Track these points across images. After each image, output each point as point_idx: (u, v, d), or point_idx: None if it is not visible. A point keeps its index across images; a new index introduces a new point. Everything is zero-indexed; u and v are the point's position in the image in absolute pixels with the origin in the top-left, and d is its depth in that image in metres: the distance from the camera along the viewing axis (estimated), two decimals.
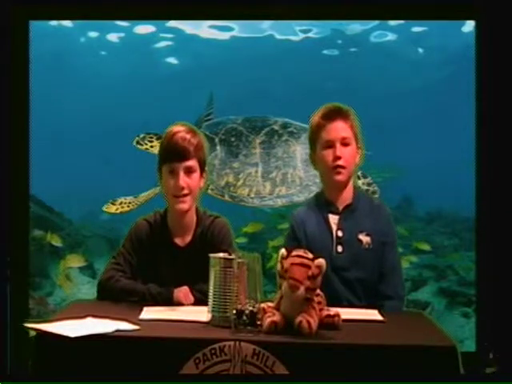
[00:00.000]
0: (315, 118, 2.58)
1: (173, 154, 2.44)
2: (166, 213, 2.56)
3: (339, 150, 2.51)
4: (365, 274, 2.52)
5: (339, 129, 2.53)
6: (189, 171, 2.45)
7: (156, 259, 2.51)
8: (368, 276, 2.52)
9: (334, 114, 2.54)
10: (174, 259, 2.50)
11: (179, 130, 2.48)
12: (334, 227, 2.56)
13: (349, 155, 2.52)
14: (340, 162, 2.51)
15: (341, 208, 2.58)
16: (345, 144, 2.52)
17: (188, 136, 2.46)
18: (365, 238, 2.54)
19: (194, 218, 2.54)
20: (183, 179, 2.43)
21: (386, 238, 2.57)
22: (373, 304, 2.44)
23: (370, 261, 2.53)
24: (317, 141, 2.57)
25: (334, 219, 2.57)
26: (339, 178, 2.53)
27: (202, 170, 2.51)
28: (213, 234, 2.52)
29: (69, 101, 12.19)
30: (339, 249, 2.53)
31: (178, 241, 2.53)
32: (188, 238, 2.53)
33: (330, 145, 2.52)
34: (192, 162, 2.45)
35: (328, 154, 2.53)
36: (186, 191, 2.44)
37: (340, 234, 2.55)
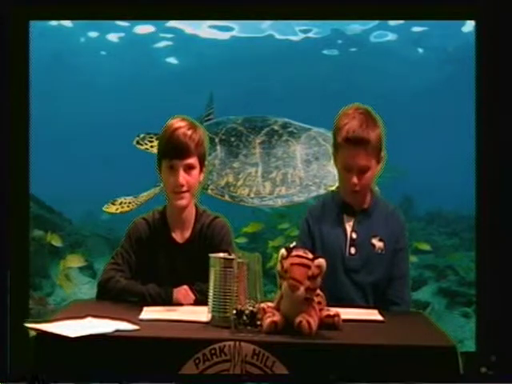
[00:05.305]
0: (341, 129, 2.49)
1: (173, 151, 2.43)
2: (165, 209, 2.57)
3: (356, 178, 2.48)
4: (375, 278, 2.52)
5: (359, 157, 2.47)
6: (188, 168, 2.45)
7: (155, 256, 2.51)
8: (378, 280, 2.53)
9: (357, 140, 2.46)
10: (173, 255, 2.50)
11: (180, 126, 2.45)
12: (349, 229, 2.56)
13: (367, 179, 2.51)
14: (356, 188, 2.51)
15: (357, 211, 2.58)
16: (363, 171, 2.49)
17: (189, 132, 2.44)
18: (378, 243, 2.54)
19: (193, 214, 2.55)
20: (183, 176, 2.43)
21: (399, 245, 2.57)
22: (380, 308, 2.44)
23: (381, 265, 2.53)
24: (337, 151, 2.53)
25: (349, 221, 2.58)
26: (354, 196, 2.54)
27: (202, 165, 2.50)
28: (212, 233, 2.52)
29: (69, 100, 12.21)
30: (352, 251, 2.54)
31: (177, 237, 2.53)
32: (187, 234, 2.53)
33: (349, 169, 2.50)
34: (192, 160, 2.44)
35: (346, 177, 2.51)
36: (185, 188, 2.44)
37: (354, 236, 2.55)
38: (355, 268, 2.52)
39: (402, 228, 2.62)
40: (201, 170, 2.50)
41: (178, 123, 2.47)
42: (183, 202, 2.47)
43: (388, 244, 2.55)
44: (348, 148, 2.48)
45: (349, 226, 2.57)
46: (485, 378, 3.30)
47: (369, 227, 2.56)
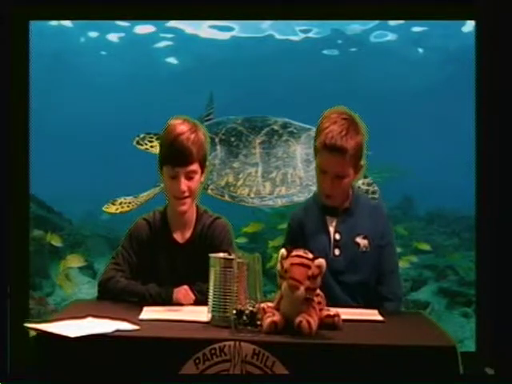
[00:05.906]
0: (321, 133, 2.47)
1: (175, 158, 2.42)
2: (165, 209, 2.57)
3: (331, 183, 2.47)
4: (362, 277, 2.52)
5: (335, 164, 2.45)
6: (190, 175, 2.44)
7: (155, 256, 2.52)
8: (365, 279, 2.52)
9: (334, 148, 2.43)
10: (174, 256, 2.51)
11: (182, 131, 2.42)
12: (332, 230, 2.55)
13: (342, 186, 2.49)
14: (329, 193, 2.50)
15: (339, 211, 2.57)
16: (339, 177, 2.47)
17: (192, 136, 2.42)
18: (362, 241, 2.53)
19: (194, 215, 2.55)
20: (184, 183, 2.43)
21: (384, 240, 2.56)
22: (373, 305, 2.44)
23: (368, 264, 2.52)
24: (315, 153, 2.53)
25: (331, 222, 2.56)
26: (328, 200, 2.53)
27: (203, 168, 2.50)
28: (213, 234, 2.52)
29: (69, 100, 12.21)
30: (336, 252, 2.53)
31: (178, 237, 2.54)
32: (187, 235, 2.54)
33: (324, 173, 2.49)
34: (194, 166, 2.44)
35: (321, 179, 2.51)
36: (186, 194, 2.44)
37: (337, 237, 2.54)
38: (340, 269, 2.51)
39: (386, 222, 2.60)
40: (202, 173, 2.50)
41: (180, 127, 2.44)
42: (184, 208, 2.47)
43: (373, 241, 2.53)
44: (324, 153, 2.46)
45: (332, 227, 2.55)
46: (485, 378, 3.30)
47: (352, 226, 2.55)
